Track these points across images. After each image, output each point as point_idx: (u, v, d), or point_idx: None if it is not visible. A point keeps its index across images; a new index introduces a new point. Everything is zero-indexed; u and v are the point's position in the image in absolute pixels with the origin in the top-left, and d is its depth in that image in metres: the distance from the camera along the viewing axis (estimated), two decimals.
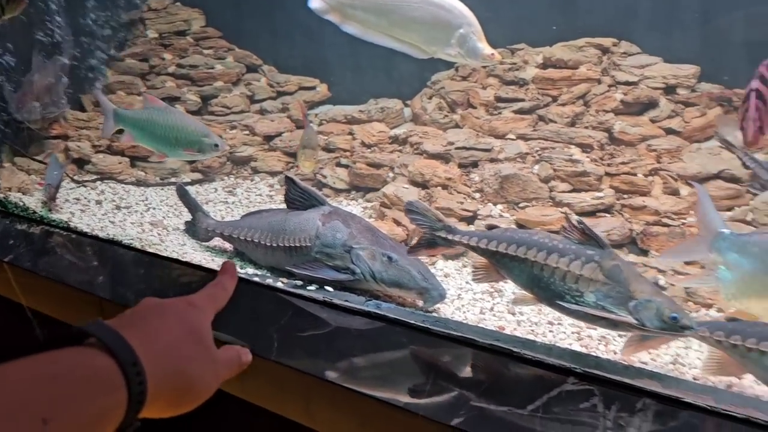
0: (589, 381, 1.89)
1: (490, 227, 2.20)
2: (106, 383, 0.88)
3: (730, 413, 1.74)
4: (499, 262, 2.11)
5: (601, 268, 1.93)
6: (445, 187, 3.44)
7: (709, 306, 2.64)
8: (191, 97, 4.60)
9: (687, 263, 2.92)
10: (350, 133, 4.20)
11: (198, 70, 4.70)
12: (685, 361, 2.21)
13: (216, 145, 3.30)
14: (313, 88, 4.75)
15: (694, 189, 3.26)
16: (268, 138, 4.36)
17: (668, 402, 1.81)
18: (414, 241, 2.32)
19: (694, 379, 2.11)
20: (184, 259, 2.90)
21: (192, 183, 4.22)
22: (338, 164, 4.06)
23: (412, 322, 2.23)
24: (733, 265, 2.23)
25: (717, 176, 3.24)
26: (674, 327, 1.85)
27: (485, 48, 2.66)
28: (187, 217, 3.38)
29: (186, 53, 4.79)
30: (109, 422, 0.87)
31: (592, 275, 1.93)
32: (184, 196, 3.36)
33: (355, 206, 3.80)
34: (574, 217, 1.93)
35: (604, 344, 2.28)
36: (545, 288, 1.99)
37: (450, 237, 2.23)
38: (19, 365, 0.82)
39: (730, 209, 3.15)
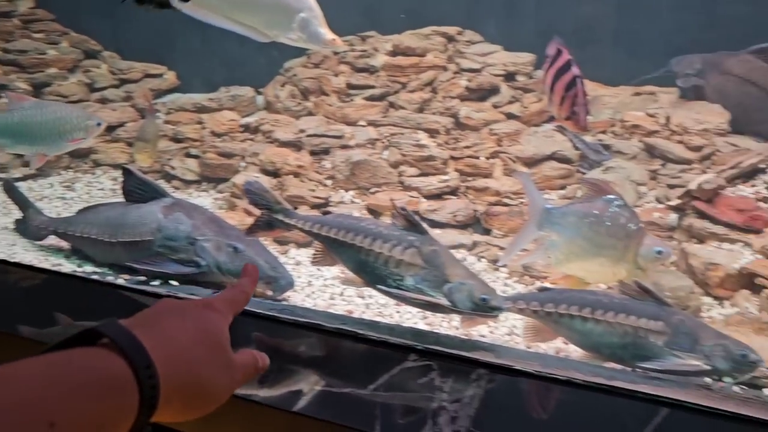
0: (429, 357, 1.96)
1: (325, 212, 2.22)
2: (118, 386, 0.85)
3: (554, 376, 1.88)
4: (331, 247, 2.14)
5: (420, 253, 2.02)
6: (296, 175, 3.42)
7: (543, 278, 2.82)
8: (21, 85, 4.23)
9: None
10: (199, 122, 4.06)
11: (28, 55, 4.33)
12: (520, 332, 2.35)
13: (99, 124, 3.15)
14: (160, 75, 4.54)
15: (531, 170, 3.48)
16: (110, 128, 4.11)
17: (501, 371, 1.91)
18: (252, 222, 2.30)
19: (528, 348, 2.26)
20: (13, 260, 2.69)
21: (24, 179, 3.89)
22: (187, 155, 3.92)
23: (260, 311, 2.20)
24: (557, 235, 2.50)
25: (551, 157, 3.46)
26: (485, 307, 1.97)
27: (327, 33, 2.67)
28: (18, 215, 3.12)
29: (12, 37, 4.39)
30: (119, 426, 0.84)
31: (412, 260, 2.02)
32: (11, 191, 3.09)
33: (206, 198, 3.68)
34: (399, 204, 2.02)
35: (448, 321, 2.38)
36: (371, 272, 2.05)
37: (286, 220, 2.22)
38: (28, 364, 0.80)
39: (563, 188, 3.38)
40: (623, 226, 2.40)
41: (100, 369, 0.84)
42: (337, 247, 2.11)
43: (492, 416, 1.70)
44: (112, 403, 0.83)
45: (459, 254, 3.03)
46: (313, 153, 3.58)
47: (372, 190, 3.37)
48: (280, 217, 2.24)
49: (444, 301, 1.98)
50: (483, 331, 2.35)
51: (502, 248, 3.04)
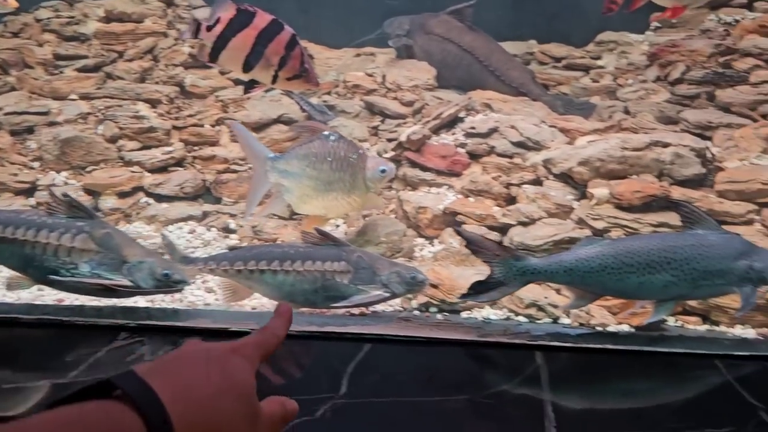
0: (140, 332, 1.90)
1: None
2: None
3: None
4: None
5: (92, 237, 1.98)
6: None
7: (275, 238, 2.87)
8: None
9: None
10: None
11: None
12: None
13: None
14: None
15: (258, 135, 3.49)
16: None
17: (219, 335, 1.92)
18: None
19: (253, 309, 2.29)
20: None
21: None
22: None
23: None
24: (287, 181, 2.59)
25: (278, 121, 3.50)
26: (168, 283, 1.99)
27: None
28: None
29: None
30: None
31: (84, 245, 1.97)
32: None
33: None
34: (58, 191, 1.94)
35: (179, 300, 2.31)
36: (39, 267, 1.96)
37: None
38: (42, 419, 0.79)
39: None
40: (344, 158, 2.55)
41: (113, 424, 0.81)
42: None
43: None
44: None
45: (188, 226, 2.96)
46: (14, 133, 3.21)
47: (88, 168, 3.13)
48: None
49: (126, 282, 1.95)
50: (209, 299, 2.34)
51: (233, 215, 3.03)
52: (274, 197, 2.69)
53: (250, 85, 2.82)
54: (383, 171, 2.62)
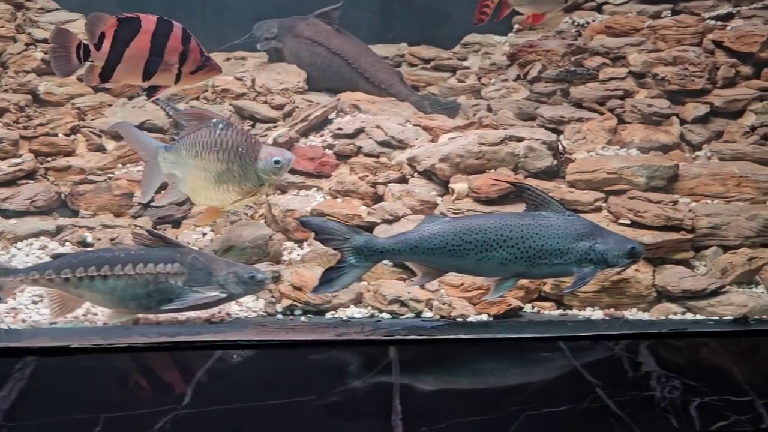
0: None
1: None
2: None
3: (114, 345, 1.84)
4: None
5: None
6: None
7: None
8: None
9: (117, 216, 3.00)
10: None
11: None
12: (98, 310, 2.25)
13: None
14: None
15: (119, 143, 3.34)
16: None
17: (56, 353, 1.80)
18: None
19: (104, 323, 2.17)
20: None
21: None
22: None
23: None
24: (180, 171, 2.46)
25: (140, 127, 3.35)
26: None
27: None
28: None
29: None
30: None
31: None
32: None
33: None
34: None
35: (12, 315, 2.16)
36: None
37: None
38: None
39: None
40: (233, 147, 2.42)
41: None
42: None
43: (34, 403, 1.60)
44: None
45: (39, 242, 2.77)
46: None
47: None
48: None
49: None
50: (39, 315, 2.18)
51: (90, 228, 2.87)
52: (170, 188, 2.56)
53: (152, 90, 2.69)
54: (277, 162, 2.46)
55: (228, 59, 4.06)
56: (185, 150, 2.46)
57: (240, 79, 3.79)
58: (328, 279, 2.07)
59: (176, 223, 2.98)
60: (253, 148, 2.46)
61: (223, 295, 2.05)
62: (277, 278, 2.49)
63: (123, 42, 2.48)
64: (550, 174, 2.88)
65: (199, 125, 2.47)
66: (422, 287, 2.47)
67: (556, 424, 1.58)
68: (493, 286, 2.17)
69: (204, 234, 2.93)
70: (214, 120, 2.44)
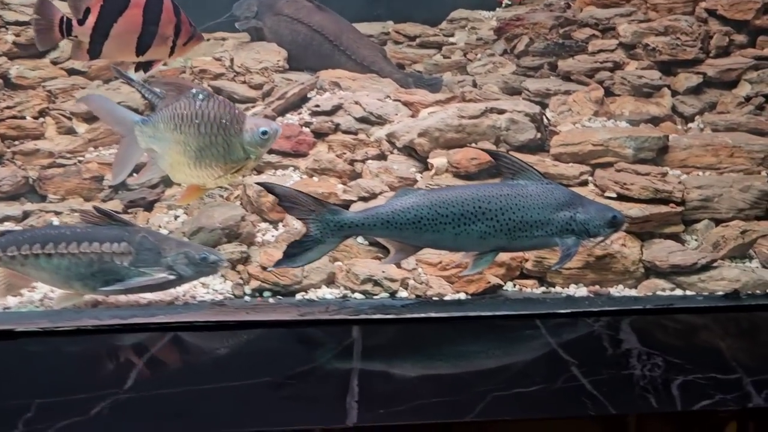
0: None
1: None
2: None
3: (62, 328, 1.74)
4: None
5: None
6: None
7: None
8: None
9: (87, 200, 2.90)
10: None
11: None
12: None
13: None
14: None
15: (91, 126, 3.24)
16: None
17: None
18: None
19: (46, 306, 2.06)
20: None
21: None
22: None
23: None
24: (160, 147, 2.29)
25: None
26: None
27: None
28: None
29: None
30: None
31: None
32: None
33: None
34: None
35: None
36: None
37: None
38: None
39: None
40: (215, 119, 2.23)
41: None
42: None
43: None
44: None
45: (3, 227, 2.67)
46: None
47: None
48: None
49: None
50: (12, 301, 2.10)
51: (58, 213, 2.77)
52: (149, 164, 2.38)
53: (147, 66, 2.60)
54: (264, 133, 2.27)
55: (208, 39, 3.94)
56: (163, 123, 2.28)
57: (218, 59, 3.68)
58: (290, 253, 1.96)
59: (148, 206, 2.88)
60: (237, 119, 2.28)
61: (172, 277, 1.94)
62: (245, 259, 2.39)
63: (110, 17, 2.39)
64: (534, 147, 2.75)
65: (177, 96, 2.29)
66: (398, 266, 2.36)
67: (524, 405, 1.47)
68: (471, 262, 2.05)
69: (176, 217, 2.82)
70: (194, 90, 2.28)
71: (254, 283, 2.32)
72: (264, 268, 2.31)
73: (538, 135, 2.74)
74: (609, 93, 3.19)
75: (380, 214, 1.99)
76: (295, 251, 1.95)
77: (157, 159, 2.34)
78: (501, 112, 2.75)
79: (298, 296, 2.27)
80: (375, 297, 2.23)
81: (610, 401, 1.49)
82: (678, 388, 1.56)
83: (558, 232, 1.98)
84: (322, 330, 1.85)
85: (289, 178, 2.89)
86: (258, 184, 2.37)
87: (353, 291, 2.28)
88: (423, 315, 1.91)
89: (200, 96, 2.28)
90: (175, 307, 1.95)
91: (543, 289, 2.33)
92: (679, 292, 2.30)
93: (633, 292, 2.30)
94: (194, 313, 1.87)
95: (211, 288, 2.32)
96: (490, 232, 1.95)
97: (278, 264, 2.00)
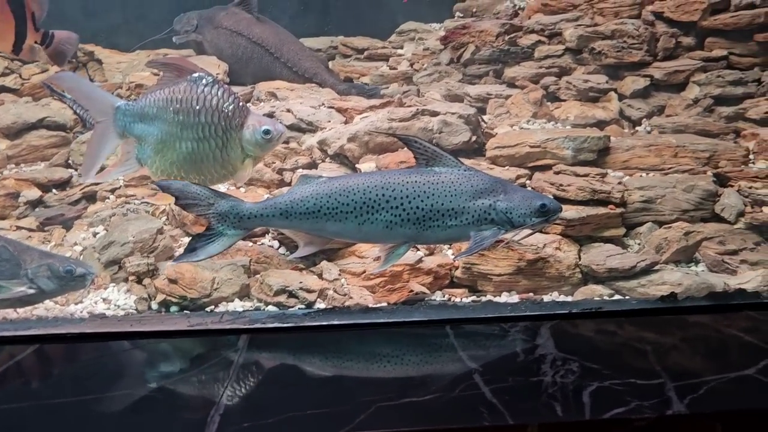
0: None
1: None
2: None
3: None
4: None
5: None
6: None
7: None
8: None
9: (1, 219, 2.74)
10: None
11: None
12: None
13: None
14: None
15: (13, 142, 3.10)
16: None
17: None
18: None
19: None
20: None
21: None
22: None
23: None
24: (143, 137, 2.04)
25: (38, 126, 3.13)
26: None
27: None
28: None
29: None
30: None
31: None
32: None
33: None
34: None
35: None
36: None
37: None
38: None
39: (51, 156, 3.07)
40: (217, 108, 2.00)
41: None
42: None
43: None
44: None
45: None
46: None
47: None
48: None
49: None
50: None
51: (27, 229, 2.61)
52: (124, 157, 2.11)
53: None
54: (267, 133, 2.04)
55: (149, 55, 3.84)
56: (157, 107, 2.03)
57: (156, 74, 3.56)
58: (192, 247, 1.81)
59: (66, 224, 2.72)
60: (240, 111, 2.04)
61: (31, 291, 1.76)
62: (153, 272, 2.23)
63: None
64: (470, 150, 2.62)
65: (176, 79, 2.04)
66: (320, 276, 2.20)
67: (410, 416, 1.30)
68: (383, 256, 1.88)
69: (95, 234, 2.66)
70: (197, 74, 2.02)
71: (160, 297, 2.15)
72: (171, 281, 2.14)
73: (474, 137, 2.60)
74: (555, 98, 3.08)
75: (278, 204, 1.84)
76: (196, 245, 1.81)
77: (136, 150, 2.07)
78: (434, 114, 2.62)
79: (207, 310, 2.10)
80: (290, 309, 2.06)
81: (510, 410, 1.32)
82: (590, 395, 1.40)
83: (476, 222, 1.80)
84: (210, 341, 1.67)
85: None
86: (154, 183, 2.19)
87: (266, 303, 2.12)
88: (325, 323, 1.74)
89: (204, 81, 2.03)
90: (49, 320, 1.77)
91: (473, 297, 2.17)
92: (618, 298, 2.14)
93: (569, 300, 2.15)
94: (70, 325, 1.70)
95: (114, 303, 2.14)
96: (397, 222, 1.79)
97: (179, 258, 1.86)
